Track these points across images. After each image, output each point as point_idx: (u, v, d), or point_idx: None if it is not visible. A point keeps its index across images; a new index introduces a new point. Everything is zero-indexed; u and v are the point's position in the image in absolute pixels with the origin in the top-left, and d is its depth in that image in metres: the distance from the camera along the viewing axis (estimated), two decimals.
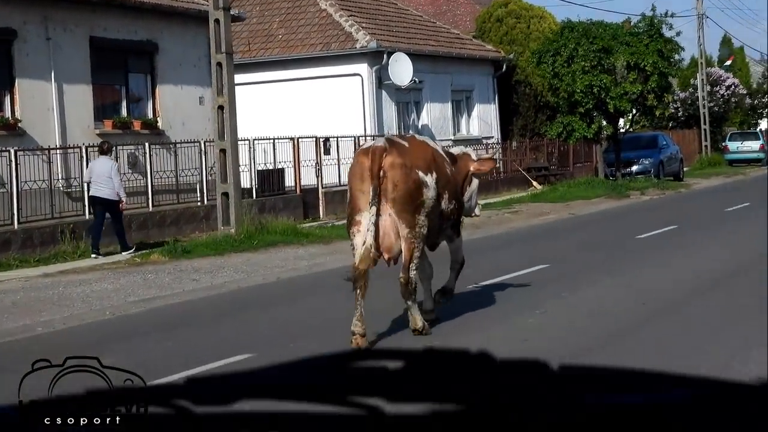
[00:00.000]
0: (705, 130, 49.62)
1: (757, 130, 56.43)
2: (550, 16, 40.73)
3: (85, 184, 18.91)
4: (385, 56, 30.68)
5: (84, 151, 19.92)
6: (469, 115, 36.49)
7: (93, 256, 17.74)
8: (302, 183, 25.99)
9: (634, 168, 36.36)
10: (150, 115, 23.48)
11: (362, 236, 9.50)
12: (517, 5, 40.04)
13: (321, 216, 25.96)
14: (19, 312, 12.21)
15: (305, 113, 30.26)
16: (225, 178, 19.58)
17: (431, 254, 10.70)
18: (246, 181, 23.45)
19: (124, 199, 18.14)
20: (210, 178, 22.01)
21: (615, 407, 1.72)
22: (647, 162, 36.99)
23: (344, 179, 26.57)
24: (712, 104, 51.81)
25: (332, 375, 1.91)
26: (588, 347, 8.90)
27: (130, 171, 21.14)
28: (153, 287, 14.00)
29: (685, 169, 41.37)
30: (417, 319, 9.67)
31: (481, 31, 40.10)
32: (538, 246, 18.46)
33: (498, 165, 30.96)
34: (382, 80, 31.02)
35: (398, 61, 30.78)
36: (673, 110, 51.29)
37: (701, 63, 50.64)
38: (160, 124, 23.48)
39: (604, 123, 34.77)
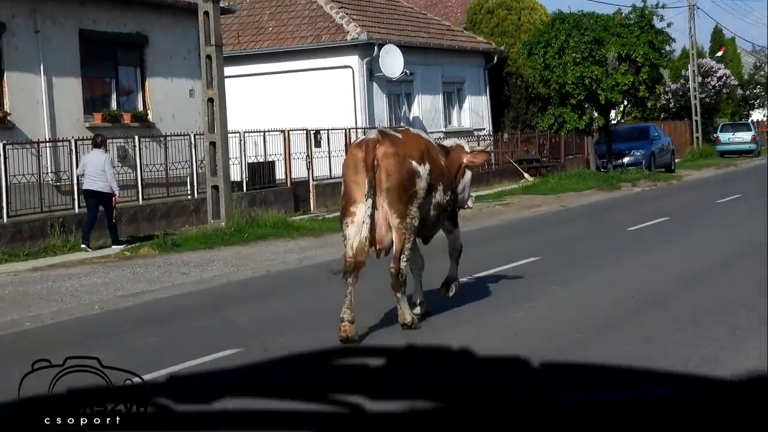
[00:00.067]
0: (696, 121, 49.65)
1: (749, 121, 56.48)
2: (541, 8, 40.71)
3: (78, 177, 18.86)
4: (375, 48, 30.63)
5: (73, 144, 19.86)
6: (460, 107, 36.46)
7: (83, 246, 17.71)
8: (293, 176, 25.95)
9: (626, 160, 36.38)
10: (140, 108, 23.40)
11: (356, 227, 9.47)
12: None
13: (312, 209, 25.94)
14: (7, 307, 12.15)
15: (296, 106, 30.21)
16: (215, 171, 19.54)
17: (424, 248, 10.68)
18: (236, 174, 23.41)
19: (117, 192, 18.09)
20: (200, 171, 21.96)
21: (591, 405, 1.70)
22: (639, 154, 37.01)
23: (335, 172, 26.58)
24: (703, 95, 51.83)
25: (314, 372, 1.92)
26: (577, 341, 8.89)
27: (120, 164, 21.06)
28: (142, 281, 13.96)
29: (676, 160, 41.43)
30: (406, 313, 9.63)
31: (472, 23, 40.06)
32: (529, 238, 18.47)
33: (490, 157, 30.92)
34: (373, 72, 30.97)
35: (389, 53, 30.74)
36: (664, 101, 51.30)
37: (692, 54, 50.66)
38: (150, 117, 23.40)
39: (596, 114, 34.74)
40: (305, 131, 26.69)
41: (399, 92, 32.89)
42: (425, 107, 34.00)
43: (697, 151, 48.14)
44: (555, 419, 1.69)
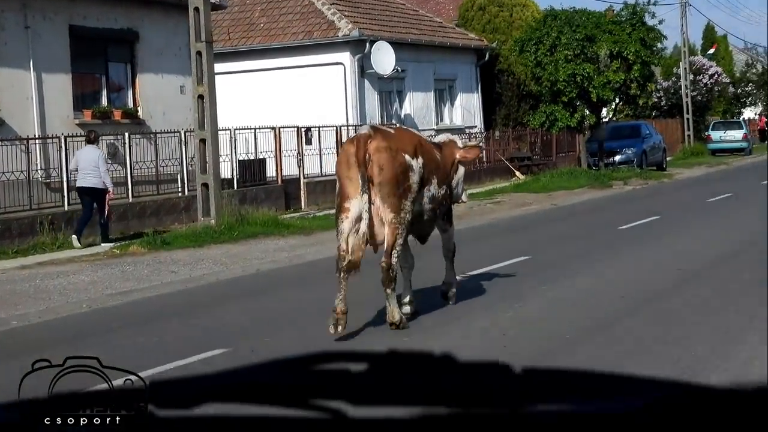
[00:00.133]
0: (688, 119, 49.69)
1: (740, 119, 56.58)
2: (532, 4, 40.74)
3: (71, 174, 18.79)
4: (367, 45, 30.61)
5: (63, 141, 19.80)
6: (452, 105, 36.46)
7: (73, 237, 17.68)
8: (284, 173, 25.92)
9: (617, 158, 36.40)
10: (130, 104, 23.33)
11: (350, 223, 9.46)
12: None
13: (302, 206, 25.91)
14: None
15: (287, 102, 30.19)
16: (205, 169, 19.49)
17: (415, 247, 10.66)
18: (227, 171, 23.37)
19: (111, 189, 18.06)
20: (191, 168, 21.90)
21: (570, 416, 1.68)
22: (630, 152, 37.03)
23: (326, 169, 26.60)
24: (695, 93, 51.88)
25: (297, 377, 1.91)
26: (566, 341, 8.85)
27: (110, 161, 20.99)
28: (131, 279, 13.91)
29: (668, 158, 41.47)
30: (395, 312, 9.59)
31: (464, 20, 40.07)
32: (520, 237, 18.46)
33: (481, 154, 30.92)
34: (364, 69, 30.95)
35: (381, 50, 30.72)
36: (656, 99, 51.34)
37: (684, 51, 50.72)
38: (140, 113, 23.33)
39: (587, 112, 34.77)
40: (296, 128, 26.66)
41: (390, 89, 32.88)
42: (417, 104, 33.99)
43: (689, 150, 48.17)
44: (533, 428, 1.67)
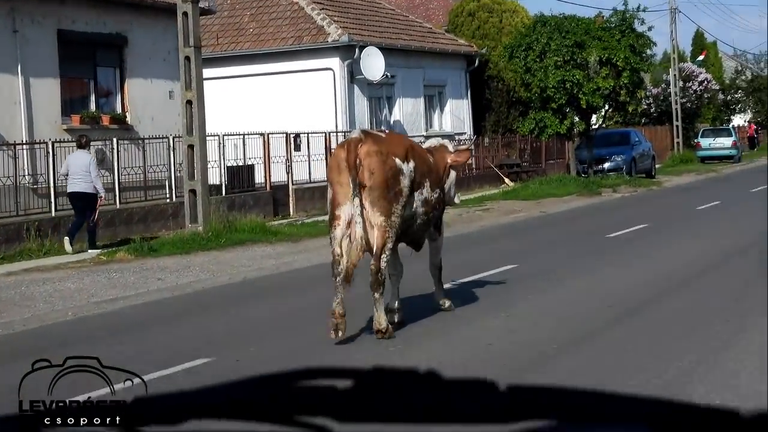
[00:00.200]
0: (677, 126, 49.77)
1: (730, 126, 56.69)
2: (522, 10, 40.79)
3: (61, 179, 18.71)
4: (357, 50, 30.60)
5: (51, 146, 19.72)
6: (441, 111, 36.48)
7: (65, 239, 17.62)
8: (272, 180, 25.88)
9: (607, 165, 36.44)
10: (119, 109, 23.26)
11: (342, 229, 9.48)
12: None
13: (291, 213, 25.87)
14: None
15: (276, 108, 30.16)
16: (193, 175, 19.39)
17: (404, 255, 10.62)
18: (215, 177, 23.31)
19: (102, 194, 18.02)
20: (179, 174, 21.83)
21: None
22: (619, 159, 37.09)
23: (315, 176, 26.57)
24: (684, 100, 51.98)
25: (281, 393, 1.88)
26: (552, 352, 8.79)
27: (98, 167, 20.92)
28: (117, 287, 13.82)
29: (657, 165, 41.55)
30: (381, 319, 9.54)
31: (454, 25, 40.10)
32: (508, 245, 18.43)
33: (472, 157, 30.91)
34: (354, 75, 30.93)
35: (370, 56, 30.71)
36: (645, 106, 51.42)
37: (674, 58, 50.82)
38: (129, 118, 23.26)
39: (577, 119, 34.80)
40: (285, 135, 26.63)
41: (380, 95, 32.88)
42: (406, 110, 33.99)
43: (678, 157, 48.24)
44: None
